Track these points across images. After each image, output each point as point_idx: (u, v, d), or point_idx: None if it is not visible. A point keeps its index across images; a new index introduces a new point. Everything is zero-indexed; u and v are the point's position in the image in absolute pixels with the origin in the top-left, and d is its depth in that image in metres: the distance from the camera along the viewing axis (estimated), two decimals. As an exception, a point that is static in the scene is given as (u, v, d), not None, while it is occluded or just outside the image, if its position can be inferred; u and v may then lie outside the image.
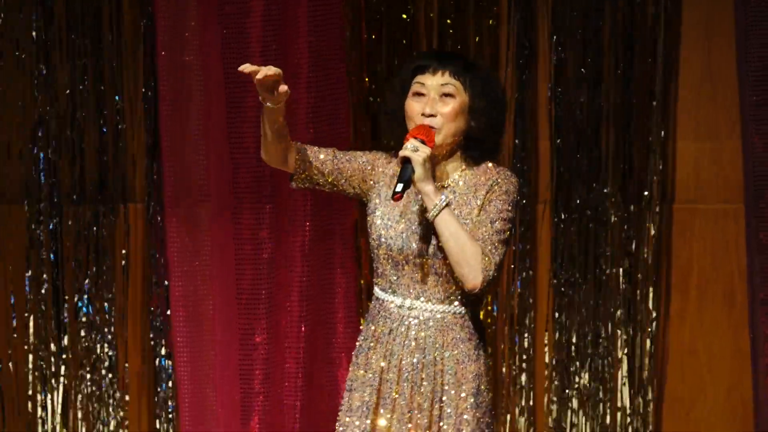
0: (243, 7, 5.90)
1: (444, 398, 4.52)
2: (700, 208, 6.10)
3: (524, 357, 6.24)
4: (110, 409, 6.27)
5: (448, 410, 4.51)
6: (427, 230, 4.43)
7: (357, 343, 4.54)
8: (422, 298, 4.45)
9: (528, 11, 6.19)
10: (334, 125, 6.07)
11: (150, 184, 6.18)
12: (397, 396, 4.54)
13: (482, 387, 4.49)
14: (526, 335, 6.25)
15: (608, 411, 6.19)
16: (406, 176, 4.21)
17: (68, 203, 6.23)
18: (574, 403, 6.18)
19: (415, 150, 4.23)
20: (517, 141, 6.18)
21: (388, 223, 4.49)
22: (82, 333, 6.22)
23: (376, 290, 4.52)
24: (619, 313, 6.13)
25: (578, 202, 6.16)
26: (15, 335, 6.15)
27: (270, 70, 4.21)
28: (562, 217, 6.16)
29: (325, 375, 6.09)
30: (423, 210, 4.38)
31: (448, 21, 6.18)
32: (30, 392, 6.15)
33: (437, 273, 4.42)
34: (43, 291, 6.18)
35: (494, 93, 4.42)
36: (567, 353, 6.17)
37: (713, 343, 6.09)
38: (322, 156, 4.55)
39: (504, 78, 6.10)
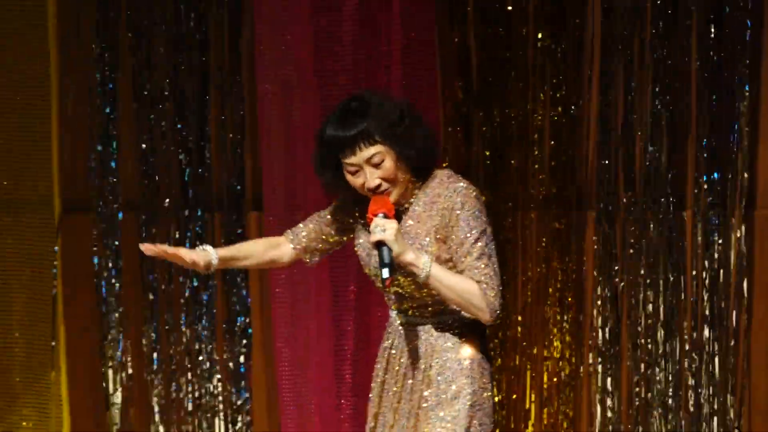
0: (334, 20, 6.01)
1: (441, 411, 4.62)
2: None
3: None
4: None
5: (445, 417, 4.64)
6: (398, 278, 4.58)
7: (380, 350, 4.75)
8: (412, 314, 4.60)
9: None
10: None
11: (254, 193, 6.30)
12: (392, 394, 4.71)
13: (480, 400, 4.62)
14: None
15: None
16: (388, 258, 4.33)
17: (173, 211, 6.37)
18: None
19: (383, 230, 4.34)
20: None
21: (366, 256, 4.64)
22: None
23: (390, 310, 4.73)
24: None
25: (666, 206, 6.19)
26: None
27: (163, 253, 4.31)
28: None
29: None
30: (385, 284, 4.45)
31: (539, 35, 6.21)
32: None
33: (422, 296, 4.57)
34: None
35: (411, 127, 4.50)
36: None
37: None
38: (326, 240, 4.73)
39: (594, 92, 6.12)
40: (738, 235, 6.16)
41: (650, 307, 6.22)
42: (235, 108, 6.31)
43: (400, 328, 4.71)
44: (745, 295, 6.16)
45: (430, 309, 4.62)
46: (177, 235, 6.46)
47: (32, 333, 6.32)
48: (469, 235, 4.47)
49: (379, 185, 4.45)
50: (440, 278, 4.45)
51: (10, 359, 6.36)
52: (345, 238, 4.77)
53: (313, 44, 6.00)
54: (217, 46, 6.26)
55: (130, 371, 6.49)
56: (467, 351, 4.62)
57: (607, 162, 6.28)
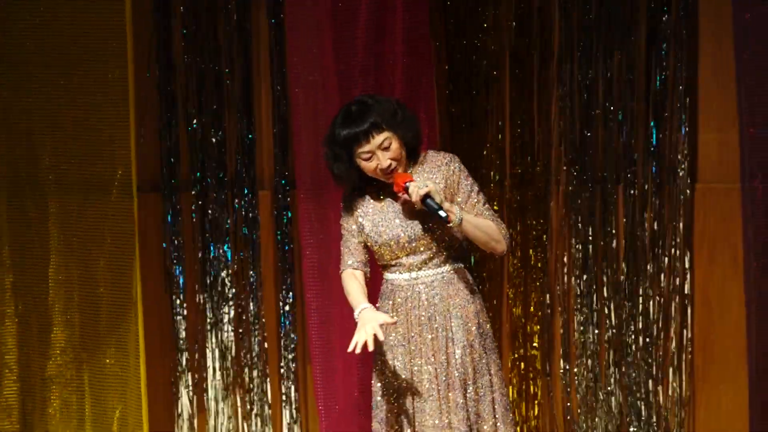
0: (350, 30, 6.50)
1: (454, 336, 5.33)
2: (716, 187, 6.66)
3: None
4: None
5: (460, 345, 5.32)
6: (409, 222, 5.33)
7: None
8: (424, 268, 5.33)
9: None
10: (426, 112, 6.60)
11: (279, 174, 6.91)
12: (417, 342, 5.35)
13: (482, 320, 5.38)
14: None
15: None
16: (436, 204, 5.07)
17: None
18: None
19: (425, 185, 5.12)
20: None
21: (380, 231, 5.31)
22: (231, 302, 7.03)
23: (386, 276, 5.38)
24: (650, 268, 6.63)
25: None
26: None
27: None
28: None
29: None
30: (406, 209, 5.24)
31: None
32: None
33: (428, 247, 5.30)
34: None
35: (405, 115, 5.30)
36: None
37: (723, 294, 6.66)
38: (365, 254, 5.40)
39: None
40: (681, 206, 6.67)
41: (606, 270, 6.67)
42: (276, 106, 6.89)
43: (408, 286, 5.34)
44: (687, 261, 6.68)
45: (434, 261, 5.30)
46: (231, 210, 6.97)
47: (114, 290, 6.91)
48: (471, 189, 5.30)
49: (390, 165, 5.18)
50: (469, 219, 5.16)
51: (96, 311, 6.95)
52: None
53: (333, 51, 6.54)
54: (258, 56, 6.90)
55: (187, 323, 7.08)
56: (473, 290, 5.40)
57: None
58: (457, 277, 5.35)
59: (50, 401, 7.08)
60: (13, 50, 6.92)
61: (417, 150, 5.31)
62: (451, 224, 5.14)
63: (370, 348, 5.05)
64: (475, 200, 5.28)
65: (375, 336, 5.04)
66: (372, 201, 5.35)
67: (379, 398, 5.37)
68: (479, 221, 5.23)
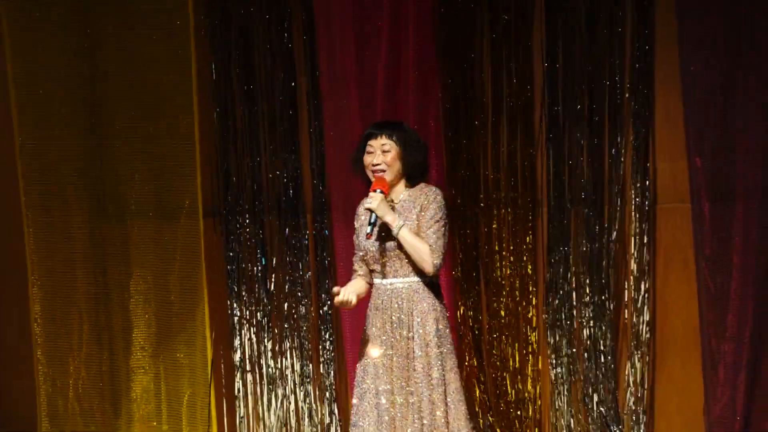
0: (374, 43, 7.08)
1: (415, 336, 5.74)
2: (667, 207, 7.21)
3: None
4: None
5: (418, 341, 5.73)
6: (388, 240, 5.70)
7: (367, 312, 5.82)
8: (395, 276, 5.76)
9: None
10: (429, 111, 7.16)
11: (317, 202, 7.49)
12: (389, 335, 5.76)
13: (440, 326, 5.78)
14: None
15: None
16: (372, 219, 5.58)
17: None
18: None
19: (372, 201, 5.58)
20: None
21: (361, 243, 5.78)
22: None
23: (374, 279, 5.81)
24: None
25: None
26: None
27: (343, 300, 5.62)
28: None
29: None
30: (368, 236, 5.62)
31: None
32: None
33: (404, 259, 5.71)
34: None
35: (415, 143, 5.77)
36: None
37: (677, 292, 7.21)
38: (364, 266, 5.81)
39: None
40: (642, 225, 7.20)
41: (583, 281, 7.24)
42: (314, 147, 7.47)
43: (384, 291, 5.75)
44: (647, 271, 7.20)
45: (405, 272, 5.73)
46: (273, 233, 7.53)
47: (183, 297, 7.49)
48: (432, 218, 5.71)
49: (379, 164, 5.69)
50: (405, 235, 5.64)
51: (168, 314, 7.54)
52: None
53: (358, 101, 7.15)
54: (301, 105, 7.49)
55: (240, 320, 7.62)
56: (434, 301, 5.81)
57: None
58: (424, 287, 5.76)
59: (133, 388, 7.64)
60: (108, 104, 7.52)
61: (415, 178, 5.79)
62: (393, 233, 5.61)
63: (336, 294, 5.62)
64: (428, 226, 5.69)
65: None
66: (362, 218, 5.83)
67: (360, 377, 5.82)
68: (415, 241, 5.65)
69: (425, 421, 5.73)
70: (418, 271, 5.73)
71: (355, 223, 5.91)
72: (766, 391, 6.93)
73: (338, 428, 7.54)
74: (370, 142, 5.75)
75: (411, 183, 5.82)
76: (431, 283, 5.80)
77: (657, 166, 7.23)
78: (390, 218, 5.65)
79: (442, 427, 5.75)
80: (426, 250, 5.67)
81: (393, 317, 5.77)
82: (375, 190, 5.66)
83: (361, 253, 5.81)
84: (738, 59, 6.82)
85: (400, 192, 5.80)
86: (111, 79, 7.49)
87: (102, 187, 7.61)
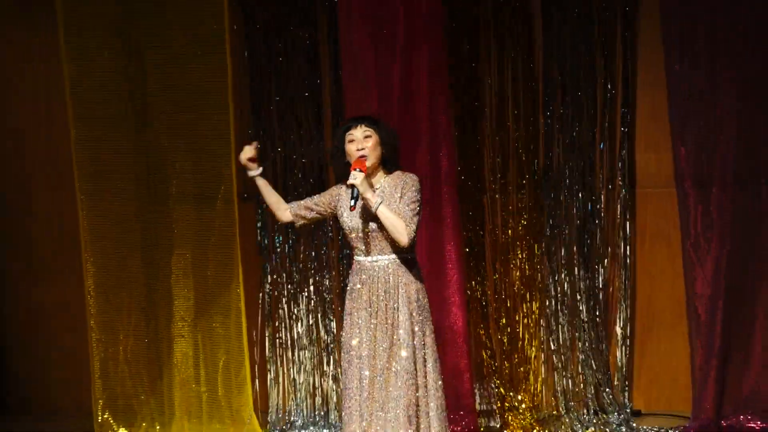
0: (389, 44, 7.26)
1: (402, 306, 6.00)
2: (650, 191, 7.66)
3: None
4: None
5: (402, 309, 5.99)
6: (367, 217, 5.93)
7: (348, 287, 6.05)
8: (379, 253, 6.03)
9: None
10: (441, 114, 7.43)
11: None
12: (375, 307, 6.01)
13: (420, 296, 6.06)
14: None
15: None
16: (355, 194, 5.77)
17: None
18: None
19: (355, 178, 5.78)
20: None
21: (352, 219, 5.97)
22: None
23: (355, 257, 6.07)
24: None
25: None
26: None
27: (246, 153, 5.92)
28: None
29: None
30: (351, 209, 5.79)
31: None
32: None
33: (382, 237, 5.96)
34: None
35: (390, 131, 5.99)
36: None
37: (661, 268, 7.64)
38: (313, 209, 6.05)
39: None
40: (621, 208, 7.62)
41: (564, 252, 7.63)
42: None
43: (370, 267, 5.99)
44: (624, 252, 7.62)
45: (387, 250, 5.98)
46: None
47: (219, 273, 7.75)
48: (409, 199, 5.94)
49: (363, 149, 5.91)
50: (384, 210, 5.84)
51: (205, 286, 7.79)
52: (324, 215, 6.10)
53: (377, 104, 7.36)
54: (325, 105, 7.84)
55: (271, 292, 7.98)
56: (416, 275, 6.06)
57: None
58: (404, 263, 6.01)
59: (174, 354, 7.92)
60: (153, 101, 7.78)
61: (391, 164, 6.01)
62: (372, 210, 5.79)
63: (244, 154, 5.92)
64: (406, 204, 5.91)
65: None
66: (345, 197, 6.04)
67: (345, 344, 6.07)
68: (392, 216, 5.85)
69: (408, 380, 5.97)
70: (398, 249, 5.98)
71: (330, 190, 6.15)
72: (739, 348, 7.39)
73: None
74: (350, 132, 5.97)
75: (388, 170, 6.05)
76: (410, 259, 6.04)
77: (639, 156, 7.67)
78: (370, 195, 5.85)
79: (422, 384, 6.01)
80: (402, 225, 5.88)
81: (379, 290, 6.01)
82: (355, 169, 5.84)
83: (344, 233, 6.06)
84: (717, 59, 7.23)
85: (380, 178, 6.01)
86: (154, 77, 7.74)
87: (147, 176, 7.87)
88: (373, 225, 5.94)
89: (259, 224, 8.04)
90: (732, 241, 7.31)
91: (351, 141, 5.95)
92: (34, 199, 8.55)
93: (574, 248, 7.73)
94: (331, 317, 7.96)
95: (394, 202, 5.93)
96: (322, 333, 8.00)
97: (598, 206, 7.73)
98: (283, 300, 8.03)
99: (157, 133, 7.84)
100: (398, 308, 5.99)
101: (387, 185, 6.00)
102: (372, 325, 6.01)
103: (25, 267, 8.66)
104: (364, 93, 7.47)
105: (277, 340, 8.07)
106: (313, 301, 8.00)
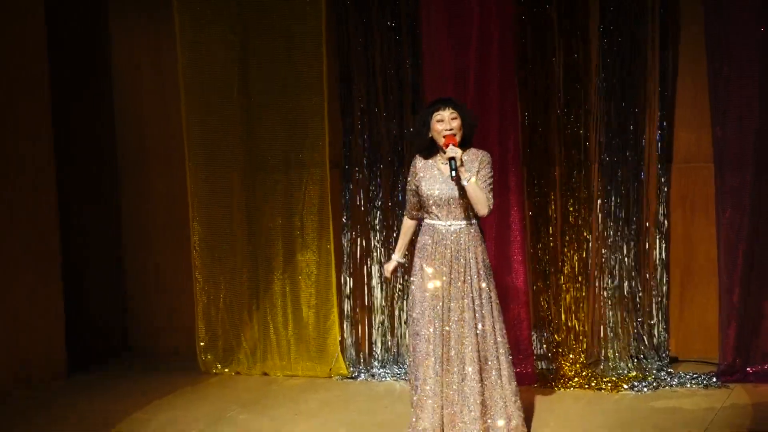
0: (464, 42, 7.67)
1: (471, 264, 6.46)
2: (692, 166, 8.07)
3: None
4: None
5: (472, 267, 6.47)
6: (451, 188, 6.34)
7: (418, 245, 6.49)
8: (453, 219, 6.48)
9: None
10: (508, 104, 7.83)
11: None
12: (446, 269, 6.48)
13: (485, 257, 6.51)
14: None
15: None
16: (454, 166, 6.23)
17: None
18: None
19: (455, 152, 6.25)
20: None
21: (431, 188, 6.41)
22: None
23: (426, 221, 6.51)
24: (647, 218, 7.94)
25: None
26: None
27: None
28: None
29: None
30: (453, 179, 6.21)
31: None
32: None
33: (459, 206, 6.40)
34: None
35: (472, 115, 6.45)
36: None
37: (699, 234, 8.07)
38: (417, 205, 6.49)
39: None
40: (662, 181, 8.07)
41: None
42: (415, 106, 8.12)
43: (442, 229, 6.44)
44: (665, 224, 8.05)
45: (459, 215, 6.47)
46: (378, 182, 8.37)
47: (307, 231, 8.49)
48: (485, 173, 6.43)
49: (452, 128, 6.36)
50: (473, 185, 6.31)
51: (294, 243, 8.48)
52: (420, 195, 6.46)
53: (453, 66, 7.81)
54: (406, 83, 8.33)
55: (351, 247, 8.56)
56: (482, 239, 6.55)
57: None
58: (475, 229, 6.49)
59: (266, 302, 8.60)
60: (254, 82, 8.45)
61: (468, 141, 6.44)
62: (462, 182, 6.23)
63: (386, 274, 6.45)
64: (484, 179, 6.39)
65: (395, 270, 6.54)
66: (427, 168, 6.46)
67: (416, 294, 6.53)
68: (477, 190, 6.32)
69: (477, 330, 6.49)
70: (469, 216, 6.43)
71: (410, 177, 6.56)
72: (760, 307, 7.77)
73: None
74: (438, 113, 6.39)
75: (463, 147, 6.47)
76: (477, 225, 6.53)
77: (678, 134, 8.12)
78: (464, 168, 6.36)
79: (490, 334, 6.52)
80: (483, 198, 6.38)
81: (452, 250, 6.48)
82: (449, 145, 6.33)
83: (423, 200, 6.46)
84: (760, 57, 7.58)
85: (462, 154, 6.46)
86: (255, 60, 8.31)
87: (248, 147, 8.48)
88: (453, 195, 6.41)
89: (347, 189, 8.58)
90: (756, 207, 7.74)
91: (440, 121, 6.38)
92: (151, 175, 9.28)
93: (622, 215, 8.20)
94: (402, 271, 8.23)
95: (473, 169, 6.44)
96: (397, 287, 8.51)
97: (640, 178, 8.22)
98: (364, 253, 8.56)
99: (259, 111, 8.48)
100: (467, 265, 6.50)
101: (467, 158, 6.47)
102: (445, 280, 6.54)
103: (142, 232, 9.38)
104: (441, 84, 7.92)
105: (356, 290, 8.67)
106: (386, 256, 8.45)
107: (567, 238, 8.19)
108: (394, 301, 8.53)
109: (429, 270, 6.45)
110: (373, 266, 8.55)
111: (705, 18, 7.60)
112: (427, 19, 7.90)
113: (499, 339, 6.49)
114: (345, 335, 8.57)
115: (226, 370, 8.77)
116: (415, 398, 6.44)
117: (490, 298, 6.46)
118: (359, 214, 8.52)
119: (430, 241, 6.44)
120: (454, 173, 6.20)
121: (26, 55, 8.38)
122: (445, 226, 6.42)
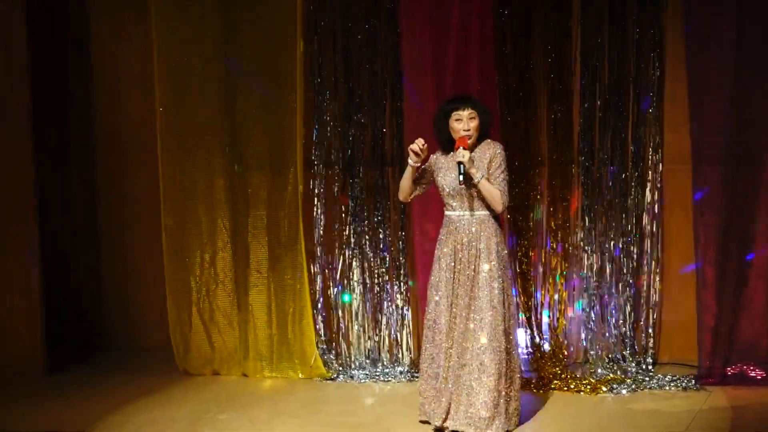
0: (443, 41, 7.72)
1: (481, 254, 6.65)
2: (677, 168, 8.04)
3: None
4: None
5: (483, 256, 6.64)
6: (466, 181, 6.52)
7: (440, 237, 6.73)
8: (469, 210, 6.70)
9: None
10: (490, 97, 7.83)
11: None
12: (460, 256, 6.68)
13: (500, 249, 6.70)
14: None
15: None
16: (461, 170, 6.43)
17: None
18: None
19: (463, 156, 6.43)
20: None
21: (447, 180, 6.64)
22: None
23: (446, 212, 6.74)
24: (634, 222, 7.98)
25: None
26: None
27: (418, 145, 6.46)
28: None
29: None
30: (466, 177, 6.39)
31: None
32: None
33: (473, 197, 6.60)
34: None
35: (489, 112, 6.64)
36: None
37: (679, 229, 8.06)
38: (424, 181, 6.72)
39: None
40: (653, 184, 8.08)
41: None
42: (394, 117, 8.19)
43: (457, 220, 6.61)
44: (657, 213, 8.05)
45: (475, 207, 6.67)
46: (359, 184, 8.29)
47: (290, 232, 8.37)
48: (498, 167, 6.63)
49: (469, 129, 6.55)
50: (484, 183, 6.52)
51: (278, 244, 8.35)
52: (428, 185, 6.78)
53: (432, 61, 7.87)
54: (384, 85, 8.32)
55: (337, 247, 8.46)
56: (497, 230, 6.71)
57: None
58: (488, 219, 6.66)
59: (250, 301, 8.45)
60: (232, 82, 8.33)
61: (484, 135, 6.67)
62: (472, 181, 6.45)
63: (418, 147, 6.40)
64: (497, 174, 6.59)
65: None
66: (445, 164, 6.70)
67: (433, 286, 6.78)
68: (490, 188, 6.53)
69: (484, 317, 6.65)
70: (485, 207, 6.63)
71: (426, 165, 6.75)
72: (739, 303, 7.80)
73: (410, 324, 8.42)
74: (457, 112, 6.59)
75: (478, 140, 6.71)
76: (492, 216, 6.70)
77: (665, 127, 8.08)
78: (473, 171, 6.54)
79: (500, 323, 6.66)
80: (498, 194, 6.59)
81: (464, 240, 6.69)
82: (459, 148, 6.49)
83: (440, 190, 6.67)
84: (742, 58, 7.64)
85: (474, 147, 6.70)
86: (233, 60, 8.24)
87: (225, 147, 8.42)
88: (467, 186, 6.62)
89: (321, 186, 8.54)
90: (731, 208, 7.74)
91: (458, 120, 6.59)
92: (130, 171, 9.26)
93: (610, 214, 8.21)
94: (388, 266, 8.40)
95: (483, 166, 6.61)
96: (386, 285, 8.49)
97: (630, 178, 8.20)
98: (349, 252, 8.53)
99: (236, 113, 8.39)
100: (480, 257, 6.67)
101: (479, 151, 6.68)
102: (456, 270, 6.74)
103: (117, 223, 9.31)
104: (421, 72, 8.00)
105: (338, 288, 8.60)
106: (377, 255, 8.47)
107: (551, 238, 8.25)
108: (372, 302, 8.51)
109: (443, 263, 6.66)
110: (352, 272, 8.51)
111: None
112: (405, 7, 8.03)
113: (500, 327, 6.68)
114: (321, 335, 8.53)
115: (206, 371, 8.71)
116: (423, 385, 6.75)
117: (503, 289, 6.60)
118: (334, 214, 8.52)
119: (445, 231, 6.66)
120: (461, 178, 6.40)
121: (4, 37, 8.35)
122: (457, 215, 6.63)
